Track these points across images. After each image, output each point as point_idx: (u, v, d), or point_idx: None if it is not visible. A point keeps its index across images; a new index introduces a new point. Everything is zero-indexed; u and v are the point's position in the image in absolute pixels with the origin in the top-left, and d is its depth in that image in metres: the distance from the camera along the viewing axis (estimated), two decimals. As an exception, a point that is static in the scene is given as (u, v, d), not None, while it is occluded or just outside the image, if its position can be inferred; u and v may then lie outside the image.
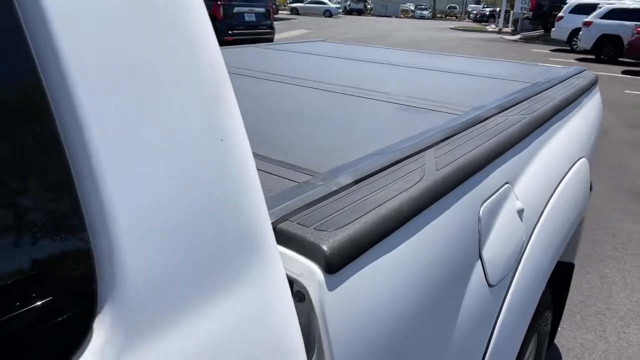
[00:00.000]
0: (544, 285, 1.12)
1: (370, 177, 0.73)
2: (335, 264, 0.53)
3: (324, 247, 0.52)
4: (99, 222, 0.31)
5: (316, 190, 0.66)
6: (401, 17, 47.85)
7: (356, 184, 0.70)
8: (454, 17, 53.10)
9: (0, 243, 0.28)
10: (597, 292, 2.66)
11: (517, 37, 21.84)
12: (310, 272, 0.52)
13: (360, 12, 48.57)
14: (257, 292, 0.42)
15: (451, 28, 30.79)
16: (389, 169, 0.77)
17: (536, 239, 1.05)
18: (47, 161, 0.30)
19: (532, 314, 1.07)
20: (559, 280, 1.67)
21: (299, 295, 0.54)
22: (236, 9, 10.64)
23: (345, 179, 0.70)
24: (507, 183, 0.98)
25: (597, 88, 2.01)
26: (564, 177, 1.27)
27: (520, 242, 1.00)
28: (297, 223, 0.57)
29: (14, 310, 0.29)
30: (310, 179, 0.72)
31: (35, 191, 0.29)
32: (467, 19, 48.58)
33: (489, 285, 0.89)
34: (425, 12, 49.78)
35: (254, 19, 11.22)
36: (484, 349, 0.91)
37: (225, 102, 0.40)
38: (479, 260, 0.86)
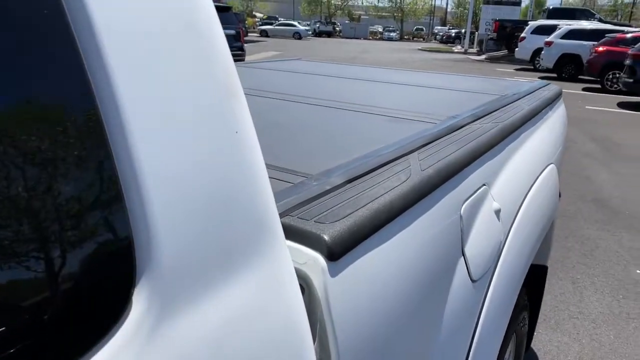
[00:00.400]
0: (521, 284, 1.18)
1: (360, 177, 0.78)
2: (337, 252, 0.56)
3: (326, 237, 0.56)
4: (138, 208, 0.35)
5: (311, 189, 0.70)
6: (370, 39, 48.97)
7: (348, 183, 0.75)
8: (421, 39, 54.69)
9: (52, 226, 0.31)
10: (570, 296, 2.75)
11: (483, 57, 22.64)
12: (314, 260, 0.55)
13: (329, 34, 49.46)
14: (271, 271, 0.46)
15: (419, 49, 31.66)
16: (377, 170, 0.81)
17: (513, 238, 1.11)
18: (96, 157, 0.33)
19: (511, 311, 1.12)
20: (533, 282, 1.74)
21: (300, 287, 0.57)
22: (208, 31, 10.70)
23: (338, 179, 0.74)
24: (484, 185, 1.04)
25: (561, 100, 2.13)
26: (535, 181, 1.34)
27: (499, 240, 1.05)
28: (298, 217, 0.61)
29: (61, 285, 0.32)
30: (304, 180, 0.76)
31: (86, 182, 0.33)
32: (433, 40, 50.10)
33: (472, 280, 0.94)
34: (393, 34, 51.13)
35: (226, 41, 11.29)
36: (469, 341, 0.95)
37: (238, 98, 0.44)
38: (462, 257, 0.91)
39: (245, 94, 0.45)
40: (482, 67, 17.29)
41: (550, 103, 1.82)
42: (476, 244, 0.95)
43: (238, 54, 11.67)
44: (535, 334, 2.41)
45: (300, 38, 38.23)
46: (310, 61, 2.92)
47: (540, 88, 2.05)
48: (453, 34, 44.30)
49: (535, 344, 2.32)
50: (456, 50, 30.30)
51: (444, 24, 65.00)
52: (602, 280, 2.94)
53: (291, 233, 0.58)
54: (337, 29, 53.95)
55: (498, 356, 1.21)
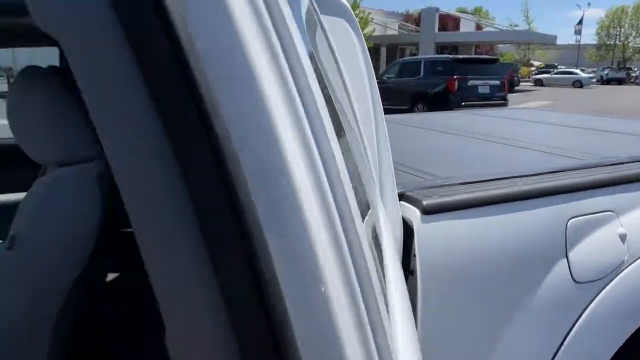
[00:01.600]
0: None
1: (475, 183, 1.20)
2: (428, 211, 1.04)
3: (423, 201, 1.05)
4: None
5: (434, 183, 1.18)
6: (679, 86, 40.48)
7: (463, 185, 1.19)
8: None
9: None
10: None
11: None
12: (414, 213, 1.04)
13: (620, 82, 43.14)
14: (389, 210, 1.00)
15: None
16: (491, 181, 1.21)
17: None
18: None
19: (630, 330, 1.26)
20: None
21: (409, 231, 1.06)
22: (470, 82, 11.30)
23: (455, 181, 1.20)
24: (611, 211, 1.27)
25: None
26: None
27: (620, 259, 1.25)
28: (415, 193, 1.11)
29: None
30: (433, 179, 1.24)
31: None
32: None
33: (575, 281, 1.20)
34: None
35: (488, 91, 11.66)
36: (566, 331, 1.20)
37: (382, 124, 1.00)
38: (565, 258, 1.19)
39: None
40: None
41: None
42: (584, 254, 1.21)
43: (500, 103, 11.83)
44: None
45: (581, 86, 34.78)
46: (538, 110, 3.15)
47: None
48: None
49: None
50: None
51: None
52: None
53: (409, 200, 1.09)
54: (633, 74, 46.68)
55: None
